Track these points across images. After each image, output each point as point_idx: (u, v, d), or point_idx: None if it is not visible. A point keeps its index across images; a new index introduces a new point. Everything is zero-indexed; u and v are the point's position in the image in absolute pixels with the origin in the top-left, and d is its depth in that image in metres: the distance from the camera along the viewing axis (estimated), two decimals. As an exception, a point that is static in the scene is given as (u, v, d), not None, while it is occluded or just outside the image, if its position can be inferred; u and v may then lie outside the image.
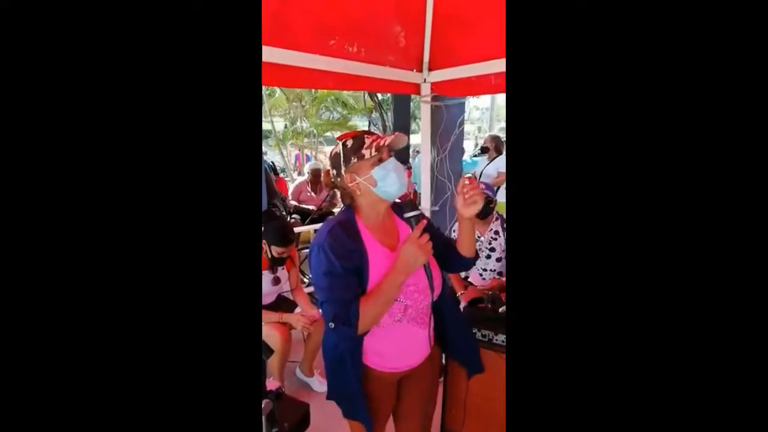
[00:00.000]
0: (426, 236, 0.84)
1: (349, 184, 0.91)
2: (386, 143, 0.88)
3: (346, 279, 0.87)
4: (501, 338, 1.38)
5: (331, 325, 0.88)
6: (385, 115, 5.27)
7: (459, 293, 1.91)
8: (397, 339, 0.95)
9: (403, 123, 4.74)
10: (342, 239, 0.88)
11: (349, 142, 0.90)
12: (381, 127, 5.42)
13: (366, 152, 0.88)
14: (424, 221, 0.89)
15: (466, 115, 3.02)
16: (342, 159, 0.90)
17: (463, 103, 3.12)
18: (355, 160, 0.89)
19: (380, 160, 0.89)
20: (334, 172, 0.93)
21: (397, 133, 0.90)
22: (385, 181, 0.89)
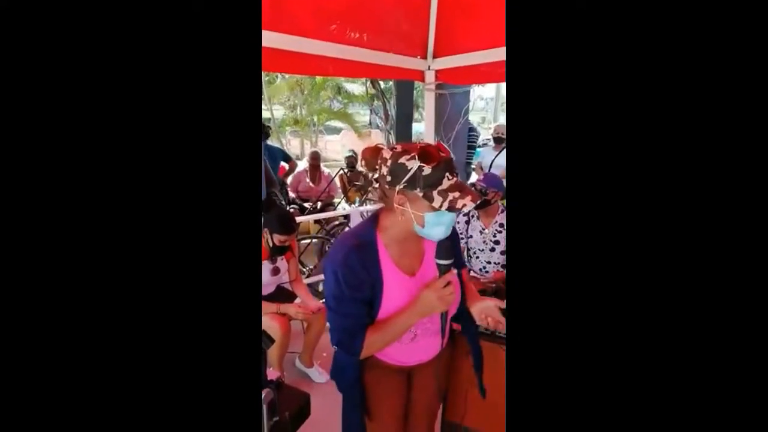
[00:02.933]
0: (450, 288, 0.81)
1: (396, 204, 0.80)
2: (464, 207, 0.75)
3: (355, 309, 0.85)
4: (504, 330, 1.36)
5: (335, 348, 0.89)
6: (387, 103, 5.21)
7: (461, 286, 1.89)
8: (406, 349, 0.95)
9: (406, 112, 4.69)
10: (356, 269, 0.82)
11: (426, 171, 0.75)
12: (383, 116, 5.36)
13: (437, 198, 0.75)
14: (454, 271, 0.83)
15: (470, 104, 2.98)
16: (406, 177, 0.76)
17: (468, 91, 3.07)
18: (420, 193, 0.76)
19: (438, 208, 0.77)
20: (389, 178, 0.78)
21: (477, 201, 0.77)
22: (433, 229, 0.80)
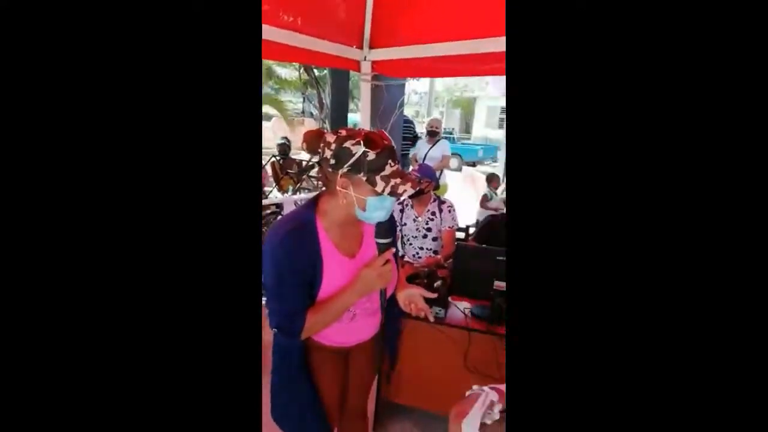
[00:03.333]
0: (389, 266, 0.86)
1: (338, 188, 0.82)
2: (404, 192, 0.80)
3: (294, 291, 0.85)
4: (435, 310, 1.47)
5: (274, 330, 0.88)
6: (322, 92, 5.10)
7: (396, 271, 1.98)
8: (345, 328, 0.97)
9: (341, 101, 4.66)
10: (294, 250, 0.83)
11: (371, 156, 0.77)
12: (317, 104, 5.25)
13: (379, 183, 0.79)
14: (392, 250, 0.88)
15: (405, 97, 3.06)
16: (350, 161, 0.78)
17: (404, 84, 3.15)
18: (363, 177, 0.79)
19: (380, 192, 0.81)
20: (333, 161, 0.80)
21: (417, 188, 0.81)
22: (373, 213, 0.83)
